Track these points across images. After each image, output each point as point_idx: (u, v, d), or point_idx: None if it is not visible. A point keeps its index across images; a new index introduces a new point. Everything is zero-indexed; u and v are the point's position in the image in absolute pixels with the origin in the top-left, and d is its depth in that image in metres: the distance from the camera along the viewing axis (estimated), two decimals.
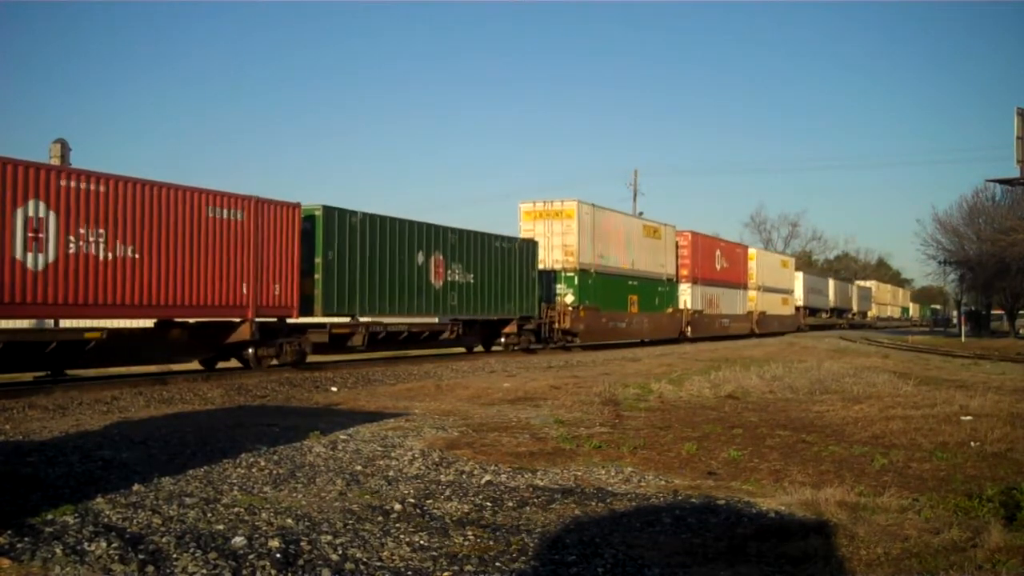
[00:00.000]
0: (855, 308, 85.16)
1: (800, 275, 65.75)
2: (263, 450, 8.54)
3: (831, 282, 77.66)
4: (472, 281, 25.08)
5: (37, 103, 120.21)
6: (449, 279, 23.96)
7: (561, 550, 5.44)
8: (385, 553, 5.29)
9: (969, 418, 11.72)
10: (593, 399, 14.13)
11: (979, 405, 13.15)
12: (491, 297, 26.14)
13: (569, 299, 31.15)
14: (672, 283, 40.37)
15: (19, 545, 4.99)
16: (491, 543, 5.57)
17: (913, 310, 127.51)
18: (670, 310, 39.87)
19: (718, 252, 46.21)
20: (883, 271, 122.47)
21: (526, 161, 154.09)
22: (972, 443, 9.89)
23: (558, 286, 31.32)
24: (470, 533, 5.78)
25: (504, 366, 22.49)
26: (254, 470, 7.63)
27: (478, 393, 15.04)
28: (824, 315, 73.25)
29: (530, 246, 28.92)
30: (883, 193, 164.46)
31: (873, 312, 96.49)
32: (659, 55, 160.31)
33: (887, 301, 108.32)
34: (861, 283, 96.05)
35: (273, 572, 4.85)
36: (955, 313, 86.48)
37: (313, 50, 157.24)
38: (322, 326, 20.02)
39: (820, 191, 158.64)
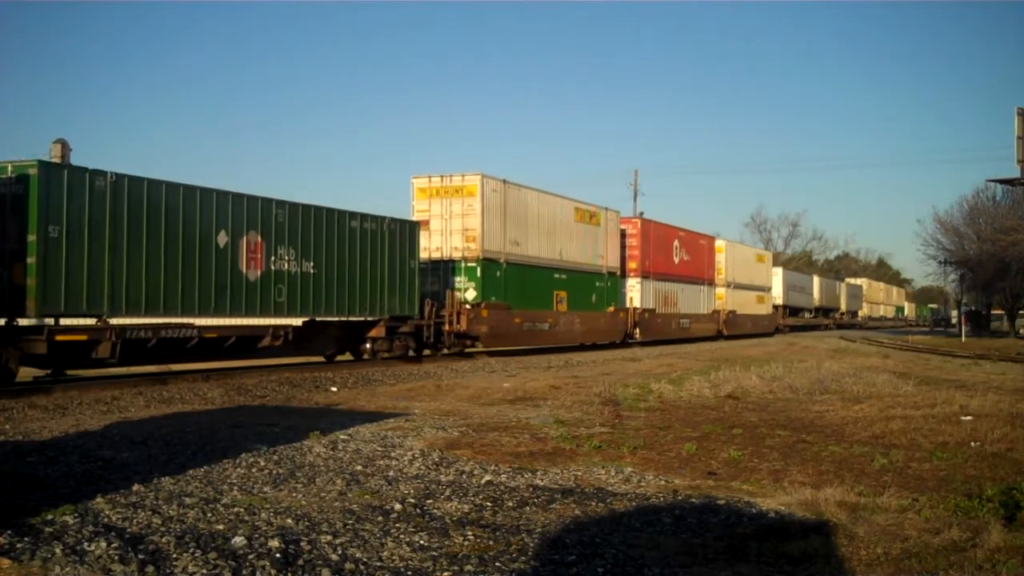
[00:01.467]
0: (843, 307, 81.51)
1: (779, 271, 61.64)
2: (263, 450, 8.54)
3: (815, 279, 73.39)
4: (313, 272, 19.45)
5: (37, 103, 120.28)
6: (274, 268, 18.30)
7: (561, 550, 5.44)
8: (385, 553, 5.29)
9: (969, 418, 11.72)
10: (593, 399, 14.14)
11: (979, 405, 13.16)
12: (346, 292, 20.41)
13: (470, 295, 25.64)
14: (615, 277, 34.66)
15: (19, 545, 4.99)
16: (491, 543, 5.57)
17: (909, 309, 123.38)
18: (611, 309, 34.08)
19: (676, 243, 40.95)
20: (883, 271, 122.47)
21: (526, 161, 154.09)
22: (972, 443, 9.89)
23: (457, 279, 25.78)
24: (470, 533, 5.78)
25: (504, 366, 22.50)
26: (254, 470, 7.63)
27: (478, 393, 15.04)
28: (807, 315, 68.90)
29: (406, 229, 22.63)
30: (883, 193, 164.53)
31: (864, 312, 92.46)
32: (659, 55, 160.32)
33: (880, 300, 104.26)
34: (851, 281, 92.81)
35: (273, 572, 4.85)
36: (954, 313, 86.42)
37: (312, 50, 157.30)
38: (37, 330, 14.23)
39: (820, 191, 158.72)
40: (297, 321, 19.49)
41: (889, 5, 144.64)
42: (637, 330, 36.15)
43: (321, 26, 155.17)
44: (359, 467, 7.97)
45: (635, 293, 36.51)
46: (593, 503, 6.81)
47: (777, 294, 59.15)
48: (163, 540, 5.28)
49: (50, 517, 5.62)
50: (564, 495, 7.06)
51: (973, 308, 64.16)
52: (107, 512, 5.90)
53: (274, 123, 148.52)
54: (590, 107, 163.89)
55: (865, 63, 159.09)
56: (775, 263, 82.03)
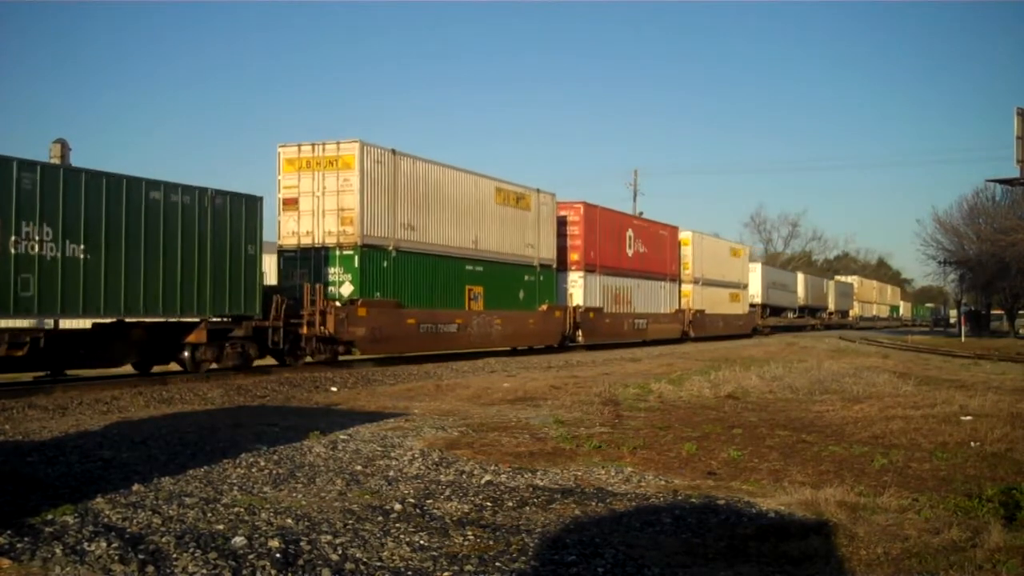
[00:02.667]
0: (832, 307, 77.16)
1: (758, 267, 56.70)
2: (263, 450, 8.54)
3: (800, 276, 68.68)
4: (86, 257, 14.85)
5: (37, 103, 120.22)
6: (15, 251, 13.76)
7: (561, 550, 5.44)
8: (385, 553, 5.29)
9: (969, 418, 11.72)
10: (593, 399, 14.13)
11: (979, 405, 13.16)
12: (141, 285, 15.87)
13: (345, 290, 21.28)
14: (550, 271, 29.95)
15: (19, 545, 4.99)
16: (491, 543, 5.57)
17: (904, 309, 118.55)
18: (544, 307, 29.28)
19: (630, 233, 36.09)
20: (883, 271, 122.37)
21: (526, 161, 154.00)
22: (972, 443, 9.89)
23: (330, 270, 21.48)
24: (470, 533, 5.78)
25: (504, 366, 22.49)
26: (254, 470, 7.63)
27: (478, 393, 15.04)
28: (791, 314, 64.11)
29: (240, 205, 17.87)
30: (883, 193, 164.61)
31: (855, 311, 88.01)
32: (659, 55, 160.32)
33: (873, 299, 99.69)
34: (841, 278, 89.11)
35: (273, 572, 4.84)
36: (953, 312, 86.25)
37: (313, 50, 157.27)
38: None
39: (820, 191, 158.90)
40: (50, 323, 15.74)
41: (889, 5, 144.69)
42: (579, 332, 31.50)
43: (321, 25, 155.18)
44: (359, 467, 7.97)
45: (577, 290, 31.63)
46: (593, 503, 6.81)
47: (755, 292, 54.47)
48: (163, 540, 5.28)
49: (50, 517, 5.62)
50: (564, 495, 7.06)
51: (972, 308, 64.15)
52: (107, 512, 5.90)
53: (274, 122, 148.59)
54: (590, 107, 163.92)
55: (865, 63, 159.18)
56: (774, 263, 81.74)
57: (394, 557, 5.23)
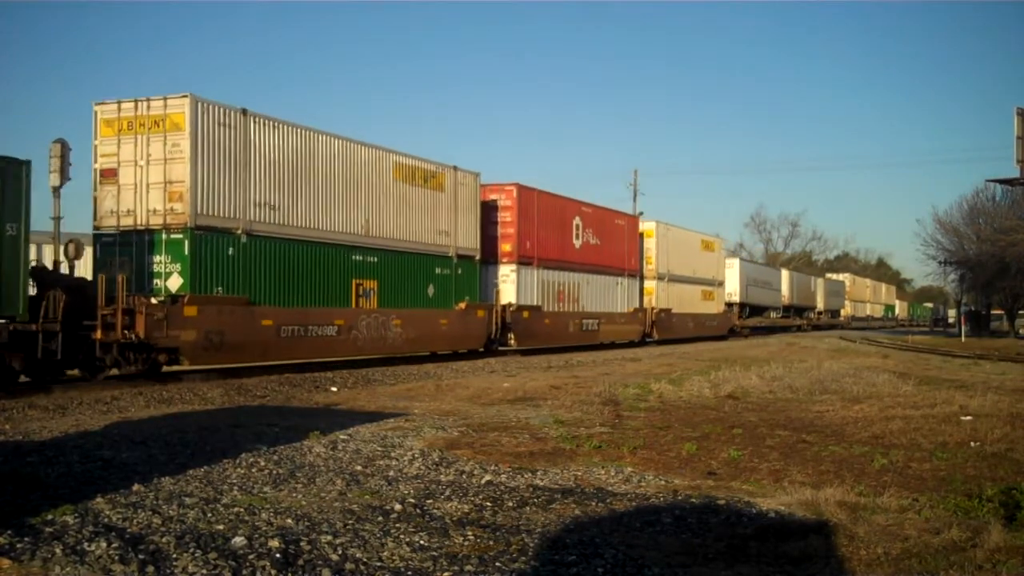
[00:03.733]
0: (821, 306, 72.71)
1: (735, 262, 52.15)
2: (263, 450, 8.54)
3: (784, 273, 64.03)
4: None
5: (38, 102, 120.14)
6: None
7: (561, 550, 5.44)
8: (385, 553, 5.29)
9: (969, 418, 11.72)
10: (593, 399, 14.13)
11: (979, 405, 13.16)
12: None
13: (174, 283, 17.14)
14: (472, 263, 25.82)
15: (19, 545, 4.99)
16: (491, 543, 5.57)
17: (900, 308, 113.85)
18: (463, 305, 25.01)
19: (578, 222, 31.62)
20: (883, 271, 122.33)
21: (526, 161, 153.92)
22: (972, 443, 9.89)
23: (155, 259, 17.29)
24: (470, 533, 5.78)
25: (504, 366, 22.50)
26: (254, 470, 7.63)
27: (478, 393, 15.04)
28: (773, 314, 59.80)
29: None
30: (883, 193, 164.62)
31: (847, 310, 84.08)
32: (659, 55, 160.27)
33: (866, 298, 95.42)
34: (832, 276, 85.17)
35: (273, 572, 4.84)
36: (952, 312, 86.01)
37: (312, 51, 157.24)
38: None
39: (820, 191, 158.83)
40: None
41: (889, 5, 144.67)
42: (511, 335, 27.11)
43: (322, 26, 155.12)
44: (359, 467, 7.97)
45: (509, 285, 27.34)
46: (593, 503, 6.81)
47: (732, 289, 50.14)
48: (163, 540, 5.28)
49: (50, 517, 5.62)
50: (564, 495, 7.06)
51: (972, 308, 64.14)
52: (107, 512, 5.90)
53: None
54: (590, 107, 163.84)
55: (865, 63, 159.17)
56: (776, 264, 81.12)
57: (394, 557, 5.23)
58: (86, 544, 5.08)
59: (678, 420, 11.87)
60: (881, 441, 10.11)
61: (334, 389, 16.08)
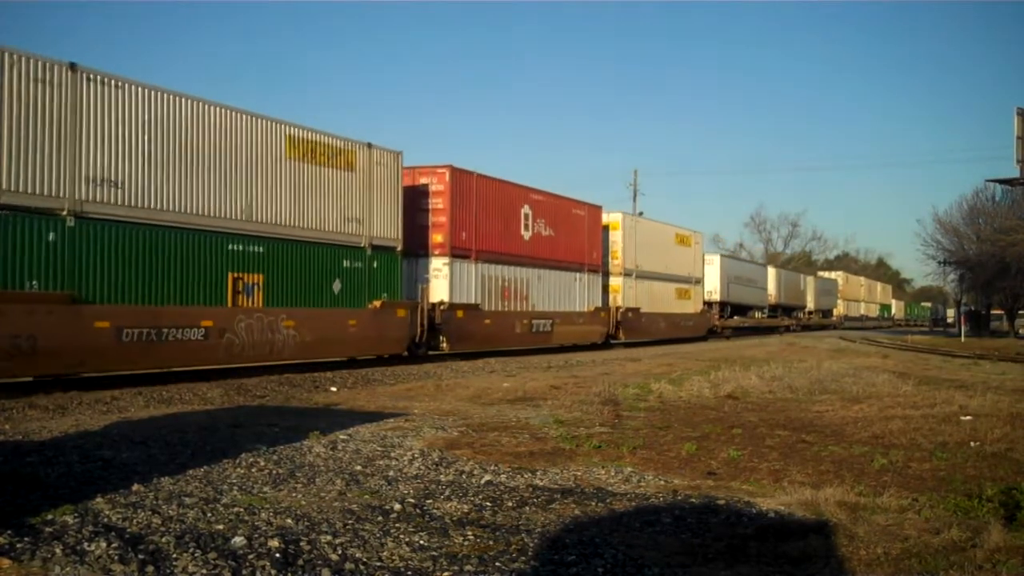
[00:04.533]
0: (811, 305, 69.52)
1: (716, 258, 48.61)
2: (263, 450, 8.54)
3: (770, 271, 60.86)
4: None
5: None
6: None
7: (561, 550, 5.44)
8: (385, 553, 5.29)
9: (969, 418, 11.73)
10: (593, 399, 14.13)
11: (979, 405, 13.17)
12: None
13: None
14: (392, 255, 22.21)
15: (19, 545, 4.99)
16: (491, 543, 5.57)
17: (897, 308, 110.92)
18: (378, 304, 21.41)
19: (527, 211, 28.38)
20: (883, 271, 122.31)
21: (526, 161, 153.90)
22: (972, 443, 9.89)
23: None
24: (470, 533, 5.78)
25: (504, 366, 22.49)
26: (254, 470, 7.63)
27: (478, 393, 15.04)
28: (758, 314, 56.62)
29: None
30: (883, 193, 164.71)
31: (840, 310, 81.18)
32: (659, 55, 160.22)
33: (860, 297, 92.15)
34: (824, 274, 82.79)
35: (273, 572, 4.84)
36: (950, 312, 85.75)
37: (314, 52, 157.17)
38: None
39: (820, 191, 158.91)
40: None
41: (888, 5, 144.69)
42: (443, 337, 23.87)
43: (322, 27, 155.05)
44: (359, 467, 7.97)
45: (441, 281, 24.34)
46: (593, 503, 6.81)
47: (712, 287, 47.13)
48: (163, 540, 5.28)
49: (50, 517, 5.62)
50: (564, 495, 7.06)
51: (972, 308, 64.14)
52: (107, 512, 5.90)
53: None
54: (590, 107, 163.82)
55: (865, 63, 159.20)
56: (775, 263, 79.98)
57: (394, 557, 5.23)
58: (86, 544, 5.08)
59: (678, 420, 11.88)
60: (881, 441, 10.11)
61: (334, 389, 16.08)
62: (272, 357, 18.59)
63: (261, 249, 18.45)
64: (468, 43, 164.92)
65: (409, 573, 4.97)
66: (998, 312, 67.55)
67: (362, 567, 5.02)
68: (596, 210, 33.62)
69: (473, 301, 25.45)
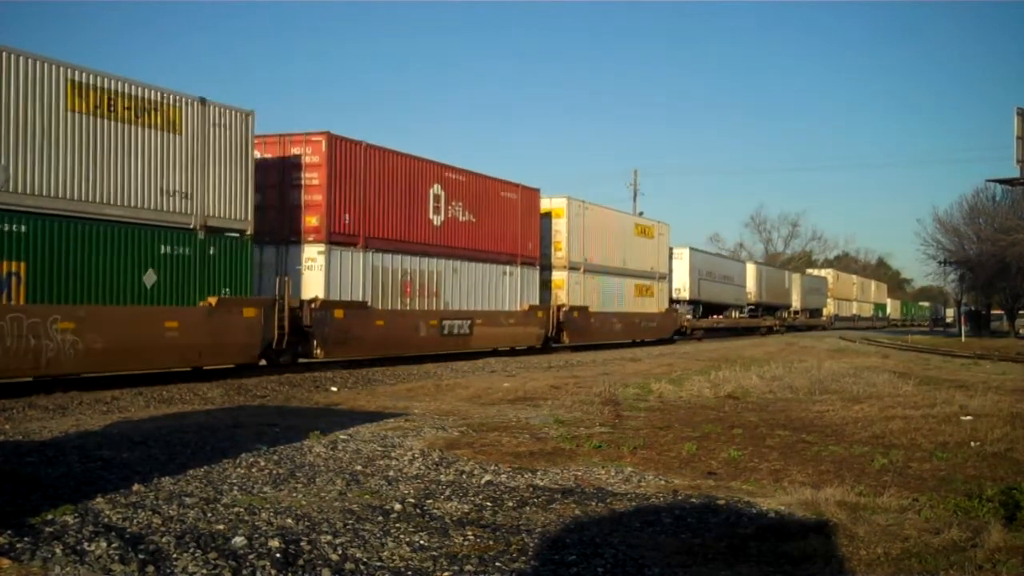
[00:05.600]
0: (797, 304, 65.05)
1: (685, 252, 43.82)
2: (263, 450, 8.54)
3: (750, 267, 56.58)
4: None
5: None
6: None
7: (561, 550, 5.44)
8: (385, 553, 5.29)
9: (969, 418, 11.73)
10: (593, 399, 14.13)
11: (979, 405, 13.16)
12: None
13: None
14: (237, 242, 17.80)
15: (19, 545, 4.99)
16: (491, 543, 5.57)
17: (893, 307, 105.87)
18: (212, 301, 16.98)
19: (438, 191, 23.89)
20: (883, 271, 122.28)
21: (526, 161, 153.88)
22: (972, 443, 9.89)
23: None
24: (470, 533, 5.78)
25: (504, 366, 22.49)
26: (254, 470, 7.64)
27: (478, 393, 15.04)
28: (736, 314, 52.18)
29: None
30: (883, 193, 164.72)
31: (830, 309, 76.28)
32: (659, 55, 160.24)
33: (852, 296, 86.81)
34: (813, 272, 78.94)
35: (273, 572, 4.85)
36: (949, 312, 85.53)
37: (314, 54, 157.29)
38: None
39: (820, 191, 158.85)
40: None
41: (888, 5, 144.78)
42: (315, 341, 19.45)
43: (323, 28, 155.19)
44: (359, 467, 7.97)
45: (316, 273, 19.85)
46: (593, 503, 6.81)
47: (681, 284, 43.00)
48: (163, 540, 5.28)
49: (50, 517, 5.62)
50: (564, 495, 7.06)
51: (972, 308, 64.16)
52: (107, 512, 5.90)
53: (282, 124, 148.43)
54: (590, 107, 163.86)
55: (865, 63, 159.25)
56: (774, 263, 77.98)
57: (394, 557, 5.23)
58: (86, 544, 5.08)
59: (678, 420, 11.88)
60: (881, 441, 10.11)
61: (334, 389, 16.08)
62: (41, 370, 14.07)
63: (23, 228, 13.92)
64: (468, 43, 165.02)
65: (409, 573, 4.97)
66: (998, 312, 67.59)
67: (362, 567, 5.02)
68: (532, 193, 28.86)
69: (360, 298, 20.92)
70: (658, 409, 13.14)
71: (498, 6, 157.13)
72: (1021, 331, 60.54)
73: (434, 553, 5.32)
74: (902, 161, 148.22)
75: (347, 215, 20.67)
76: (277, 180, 20.06)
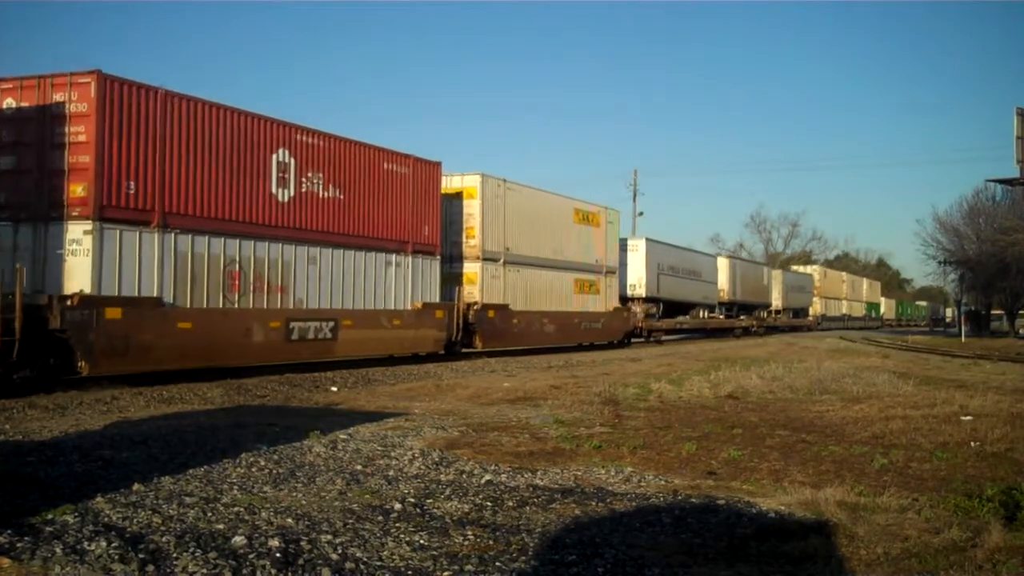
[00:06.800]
0: (779, 303, 59.58)
1: (641, 244, 38.84)
2: (263, 450, 8.54)
3: (722, 262, 50.77)
4: None
5: None
6: None
7: (561, 550, 5.44)
8: (385, 553, 5.29)
9: (969, 418, 11.73)
10: (593, 399, 14.14)
11: (979, 405, 13.17)
12: None
13: None
14: None
15: (19, 545, 4.99)
16: (491, 543, 5.57)
17: (887, 307, 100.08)
18: None
19: (285, 158, 18.57)
20: (883, 271, 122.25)
21: (527, 161, 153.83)
22: (972, 443, 9.90)
23: None
24: (470, 533, 5.78)
25: (504, 366, 22.48)
26: (254, 469, 7.63)
27: (478, 393, 15.05)
28: (705, 313, 46.87)
29: None
30: (883, 193, 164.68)
31: (816, 309, 70.74)
32: (659, 55, 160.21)
33: (842, 295, 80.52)
34: (799, 268, 74.38)
35: (273, 571, 4.84)
36: (949, 311, 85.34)
37: (314, 55, 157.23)
38: None
39: (820, 191, 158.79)
40: None
41: (888, 5, 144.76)
42: (77, 352, 14.34)
43: (324, 28, 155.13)
44: (359, 467, 7.97)
45: (80, 260, 14.71)
46: (593, 503, 6.81)
47: (636, 280, 37.93)
48: (163, 539, 5.28)
49: (50, 517, 5.62)
50: (564, 495, 7.06)
51: (972, 308, 64.16)
52: (107, 511, 5.90)
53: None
54: (590, 107, 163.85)
55: (865, 63, 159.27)
56: (774, 264, 75.93)
57: (394, 557, 5.23)
58: (86, 543, 5.08)
59: (678, 420, 11.88)
60: (881, 441, 10.11)
61: (334, 389, 16.07)
62: None
63: None
64: (468, 44, 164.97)
65: (409, 573, 4.97)
66: (998, 312, 67.62)
67: (362, 566, 5.02)
68: (430, 168, 23.47)
69: (156, 293, 15.84)
70: (658, 409, 13.14)
71: (498, 6, 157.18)
72: (1021, 331, 60.59)
73: (434, 553, 5.32)
74: (902, 161, 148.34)
75: (132, 183, 15.39)
76: (36, 137, 14.98)
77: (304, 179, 19.17)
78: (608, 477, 7.94)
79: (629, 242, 38.42)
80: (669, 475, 8.14)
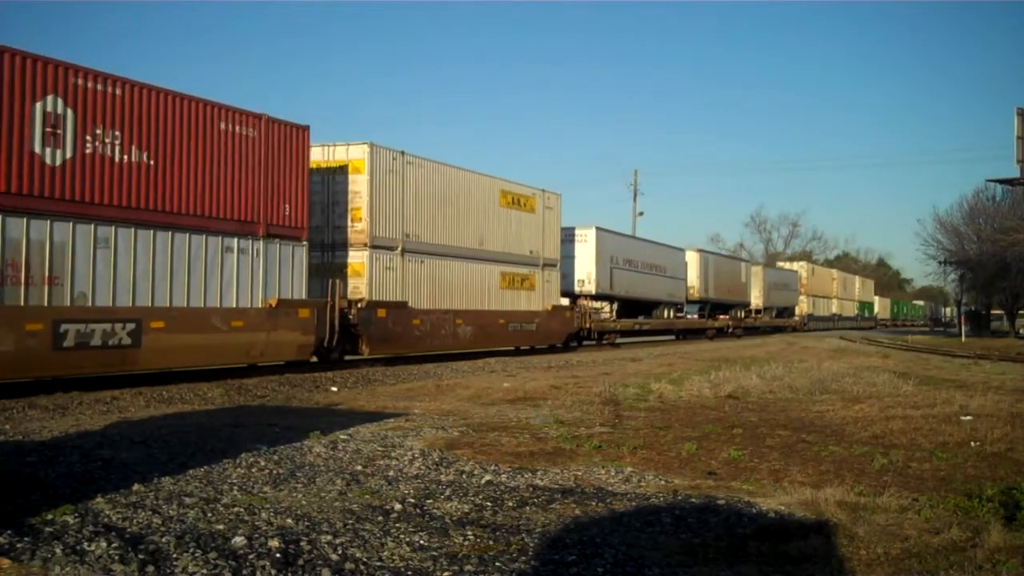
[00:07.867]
0: (759, 302, 54.88)
1: (590, 234, 34.49)
2: (263, 450, 8.54)
3: (691, 255, 45.65)
4: None
5: None
6: None
7: (561, 550, 5.44)
8: (385, 553, 5.29)
9: (969, 418, 11.73)
10: (593, 399, 14.13)
11: (979, 405, 13.16)
12: None
13: None
14: None
15: (19, 545, 4.99)
16: (491, 543, 5.57)
17: (881, 306, 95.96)
18: None
19: (57, 107, 13.88)
20: (883, 271, 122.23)
21: (527, 161, 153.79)
22: (972, 443, 9.89)
23: None
24: (470, 533, 5.78)
25: (504, 366, 22.48)
26: (254, 470, 7.63)
27: (478, 393, 15.04)
28: (670, 312, 42.55)
29: None
30: (883, 193, 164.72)
31: (803, 308, 66.17)
32: (659, 55, 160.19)
33: (831, 293, 75.48)
34: (784, 265, 70.62)
35: (273, 572, 4.84)
36: (949, 311, 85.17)
37: (316, 55, 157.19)
38: None
39: (820, 191, 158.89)
40: None
41: (888, 5, 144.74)
42: None
43: (324, 28, 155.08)
44: (359, 467, 7.97)
45: None
46: (593, 503, 6.80)
47: (585, 275, 34.01)
48: (163, 540, 5.28)
49: (50, 517, 5.62)
50: (564, 495, 7.06)
51: (973, 308, 64.16)
52: (107, 512, 5.90)
53: None
54: (590, 108, 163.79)
55: (865, 63, 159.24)
56: (774, 264, 74.43)
57: (394, 557, 5.23)
58: (86, 544, 5.08)
59: (678, 420, 11.87)
60: (881, 441, 10.11)
61: (334, 389, 16.07)
62: None
63: None
64: (468, 44, 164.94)
65: (409, 573, 4.97)
66: (998, 312, 67.63)
67: (362, 567, 5.02)
68: (292, 131, 18.83)
69: None
70: (658, 409, 13.14)
71: (498, 6, 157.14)
72: (1021, 331, 60.59)
73: (434, 553, 5.31)
74: (902, 161, 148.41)
75: None
76: None
77: (89, 137, 14.68)
78: (608, 477, 7.94)
79: (577, 232, 34.05)
80: (669, 475, 8.14)
